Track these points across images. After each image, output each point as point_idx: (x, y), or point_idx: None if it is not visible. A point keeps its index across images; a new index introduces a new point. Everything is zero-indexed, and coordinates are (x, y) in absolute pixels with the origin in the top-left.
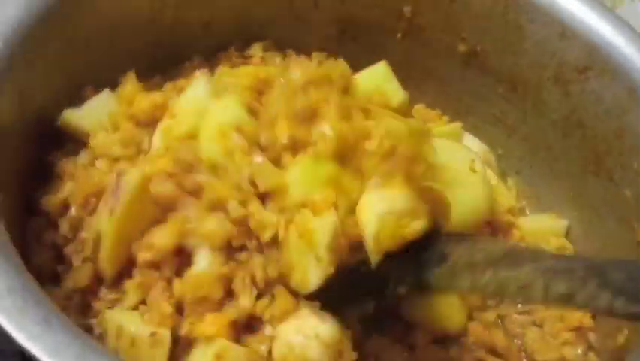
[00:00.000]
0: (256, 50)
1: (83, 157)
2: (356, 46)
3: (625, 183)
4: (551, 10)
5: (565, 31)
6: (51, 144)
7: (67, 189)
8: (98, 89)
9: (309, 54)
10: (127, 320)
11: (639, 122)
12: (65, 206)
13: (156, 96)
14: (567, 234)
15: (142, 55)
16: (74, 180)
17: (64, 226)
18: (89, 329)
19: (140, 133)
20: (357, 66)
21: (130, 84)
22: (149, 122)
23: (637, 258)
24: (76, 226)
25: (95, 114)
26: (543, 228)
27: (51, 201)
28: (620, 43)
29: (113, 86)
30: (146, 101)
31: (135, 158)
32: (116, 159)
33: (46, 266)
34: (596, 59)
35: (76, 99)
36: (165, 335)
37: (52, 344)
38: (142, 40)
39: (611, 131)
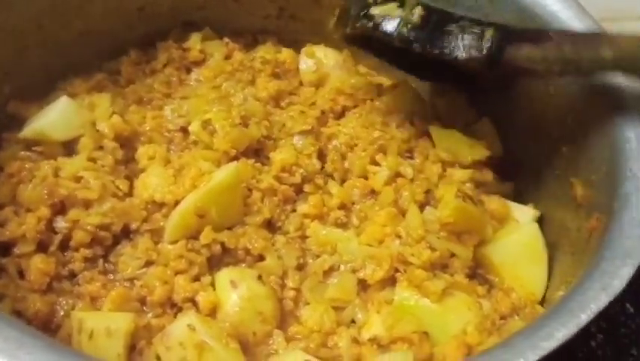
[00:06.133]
0: (195, 41)
1: (47, 168)
2: (296, 24)
3: (562, 139)
4: None
5: None
6: None
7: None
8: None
9: (249, 37)
10: (86, 316)
11: (570, 79)
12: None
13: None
14: (515, 196)
15: (74, 45)
16: (33, 186)
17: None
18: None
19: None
20: (298, 44)
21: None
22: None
23: (576, 215)
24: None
25: (60, 124)
26: None
27: None
28: (546, 1)
29: (49, 77)
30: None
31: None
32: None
33: None
34: (525, 19)
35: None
36: (120, 327)
37: None
38: (72, 28)
39: (545, 91)
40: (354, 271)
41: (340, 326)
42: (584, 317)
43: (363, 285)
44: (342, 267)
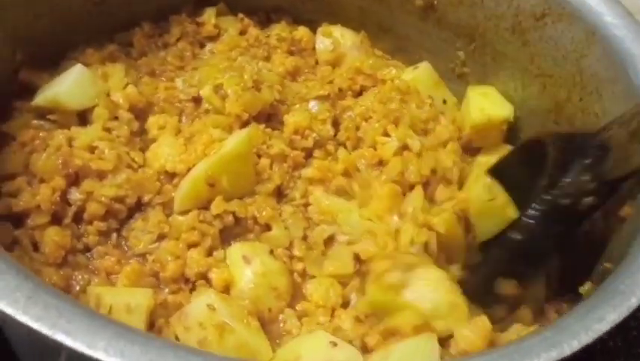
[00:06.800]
0: (209, 15)
1: (61, 138)
2: (312, 3)
3: (587, 127)
4: None
5: None
6: None
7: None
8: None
9: (263, 15)
10: (104, 292)
11: (598, 65)
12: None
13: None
14: None
15: (87, 14)
16: (47, 155)
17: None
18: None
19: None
20: (313, 24)
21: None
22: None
23: None
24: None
25: (75, 92)
26: None
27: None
28: None
29: (61, 46)
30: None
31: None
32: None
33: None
34: (552, 4)
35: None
36: (141, 303)
37: None
38: None
39: (570, 77)
40: (350, 243)
41: (344, 303)
42: (635, 300)
43: (358, 260)
44: (339, 238)
